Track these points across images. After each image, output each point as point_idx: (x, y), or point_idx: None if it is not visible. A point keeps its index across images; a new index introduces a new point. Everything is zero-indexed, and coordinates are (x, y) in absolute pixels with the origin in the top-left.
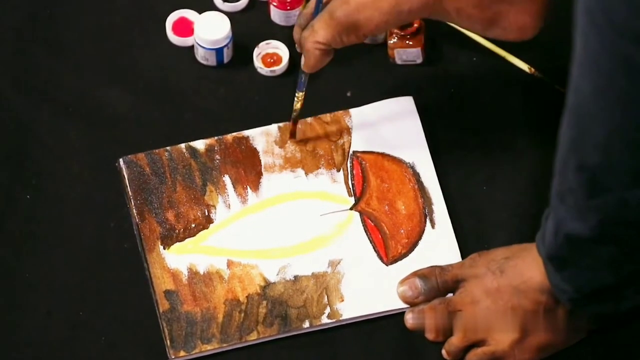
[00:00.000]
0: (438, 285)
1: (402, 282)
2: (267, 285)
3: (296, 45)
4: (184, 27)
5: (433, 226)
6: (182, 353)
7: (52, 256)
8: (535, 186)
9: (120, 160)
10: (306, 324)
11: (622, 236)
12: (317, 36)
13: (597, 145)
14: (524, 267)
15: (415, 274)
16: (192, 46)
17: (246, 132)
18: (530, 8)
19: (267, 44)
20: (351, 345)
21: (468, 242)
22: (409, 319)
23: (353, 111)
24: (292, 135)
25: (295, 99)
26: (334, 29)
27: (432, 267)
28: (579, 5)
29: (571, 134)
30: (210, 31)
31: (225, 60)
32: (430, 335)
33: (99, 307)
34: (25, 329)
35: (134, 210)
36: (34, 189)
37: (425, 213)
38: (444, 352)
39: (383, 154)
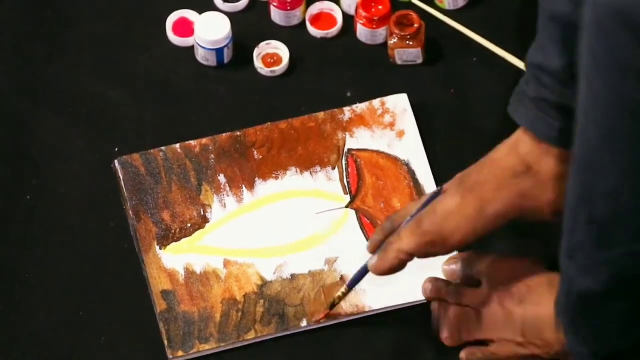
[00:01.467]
0: (473, 275)
1: (448, 261)
2: (264, 283)
3: (368, 246)
4: (184, 27)
5: None
6: (179, 353)
7: (52, 256)
8: None
9: (115, 161)
10: (303, 323)
11: (635, 291)
12: (402, 244)
13: (605, 194)
14: (543, 315)
15: (460, 256)
16: (192, 46)
17: (240, 131)
18: None
19: (267, 44)
20: (349, 343)
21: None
22: (426, 290)
23: (347, 109)
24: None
25: (341, 292)
26: (419, 238)
27: (471, 253)
28: (583, 48)
29: (579, 185)
30: (210, 31)
31: (225, 60)
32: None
33: (99, 307)
34: (25, 329)
35: (130, 210)
36: (34, 189)
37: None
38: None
39: (378, 152)
